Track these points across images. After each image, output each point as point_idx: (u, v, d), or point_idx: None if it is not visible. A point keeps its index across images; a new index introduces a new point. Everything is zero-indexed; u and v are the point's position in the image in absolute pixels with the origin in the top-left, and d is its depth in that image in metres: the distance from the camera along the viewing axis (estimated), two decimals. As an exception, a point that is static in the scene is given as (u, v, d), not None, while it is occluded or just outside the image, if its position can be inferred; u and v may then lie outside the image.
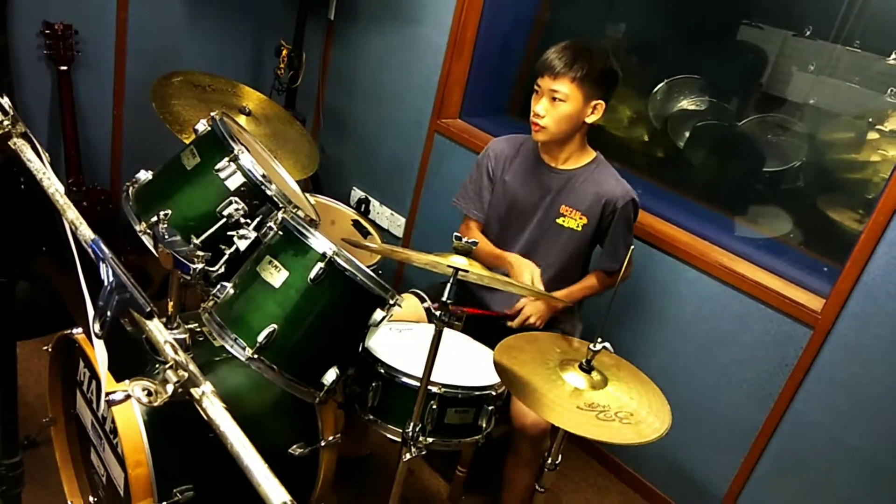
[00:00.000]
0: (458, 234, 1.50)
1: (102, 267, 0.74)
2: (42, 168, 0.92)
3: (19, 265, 1.28)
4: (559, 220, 2.13)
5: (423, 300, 2.24)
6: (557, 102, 2.00)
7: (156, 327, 0.71)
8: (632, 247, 1.84)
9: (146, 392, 0.65)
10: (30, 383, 2.33)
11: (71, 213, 0.82)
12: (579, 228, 2.13)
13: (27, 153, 0.95)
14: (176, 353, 0.67)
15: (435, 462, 2.57)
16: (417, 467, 2.54)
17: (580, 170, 2.14)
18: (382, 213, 3.38)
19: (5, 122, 0.99)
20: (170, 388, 0.65)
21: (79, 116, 2.82)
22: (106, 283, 0.73)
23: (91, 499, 1.89)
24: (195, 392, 0.66)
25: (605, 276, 2.23)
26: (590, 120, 2.05)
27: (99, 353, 0.84)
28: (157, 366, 0.85)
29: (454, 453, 2.36)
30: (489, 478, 2.35)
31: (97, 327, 0.74)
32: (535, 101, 2.05)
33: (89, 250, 0.77)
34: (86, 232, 0.80)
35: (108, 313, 0.73)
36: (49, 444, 1.97)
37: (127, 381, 0.97)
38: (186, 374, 0.65)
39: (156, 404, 0.65)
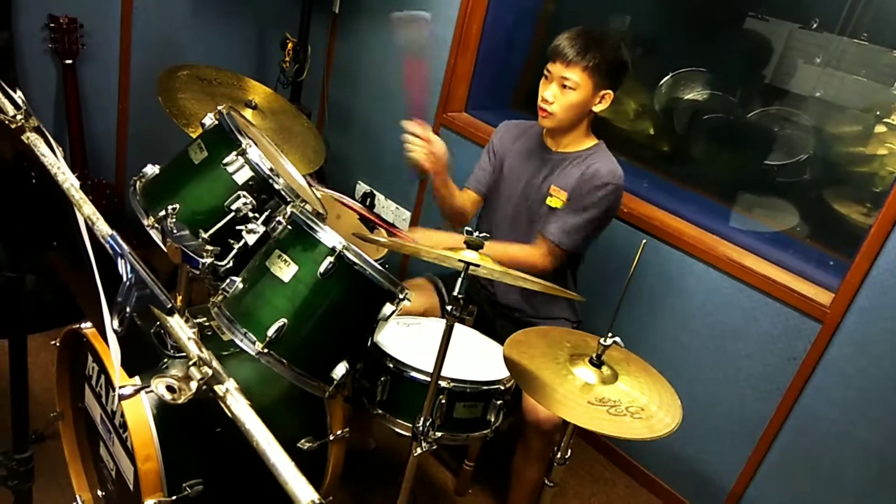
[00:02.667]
0: (469, 229, 1.50)
1: (120, 262, 0.73)
2: (56, 162, 0.92)
3: (29, 260, 1.28)
4: (548, 201, 2.13)
5: (437, 287, 2.26)
6: (567, 90, 2.00)
7: (177, 323, 0.70)
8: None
9: (170, 389, 0.65)
10: (36, 377, 2.33)
11: (87, 209, 0.81)
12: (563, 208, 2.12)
13: (41, 147, 0.94)
14: (200, 349, 0.67)
15: (442, 455, 2.57)
16: (424, 460, 2.54)
17: (576, 153, 2.14)
18: (388, 207, 3.37)
19: (18, 117, 0.98)
20: (194, 384, 0.65)
21: (84, 110, 2.82)
22: (125, 279, 0.72)
23: (99, 493, 1.89)
24: (219, 389, 0.65)
25: (540, 246, 2.11)
26: (597, 109, 2.05)
27: (113, 349, 0.83)
28: (166, 360, 0.85)
29: (461, 447, 2.36)
30: (496, 471, 2.35)
31: (115, 323, 0.73)
32: (544, 86, 2.04)
33: (107, 246, 0.76)
34: (103, 227, 0.79)
35: (127, 309, 0.72)
36: (57, 438, 1.97)
37: (137, 378, 0.97)
38: (210, 371, 0.65)
39: (180, 401, 0.65)
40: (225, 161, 1.71)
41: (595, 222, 2.08)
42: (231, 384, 0.66)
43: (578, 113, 2.05)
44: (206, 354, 0.67)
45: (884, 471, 2.12)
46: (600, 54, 1.97)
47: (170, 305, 0.71)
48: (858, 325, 2.09)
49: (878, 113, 2.40)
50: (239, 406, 0.64)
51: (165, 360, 0.82)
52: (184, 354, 0.70)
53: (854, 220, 2.42)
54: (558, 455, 1.68)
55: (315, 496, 0.55)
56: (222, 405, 0.66)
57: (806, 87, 2.61)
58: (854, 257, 2.07)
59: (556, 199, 2.12)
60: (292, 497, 0.55)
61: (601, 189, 2.04)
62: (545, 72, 2.04)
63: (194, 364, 0.66)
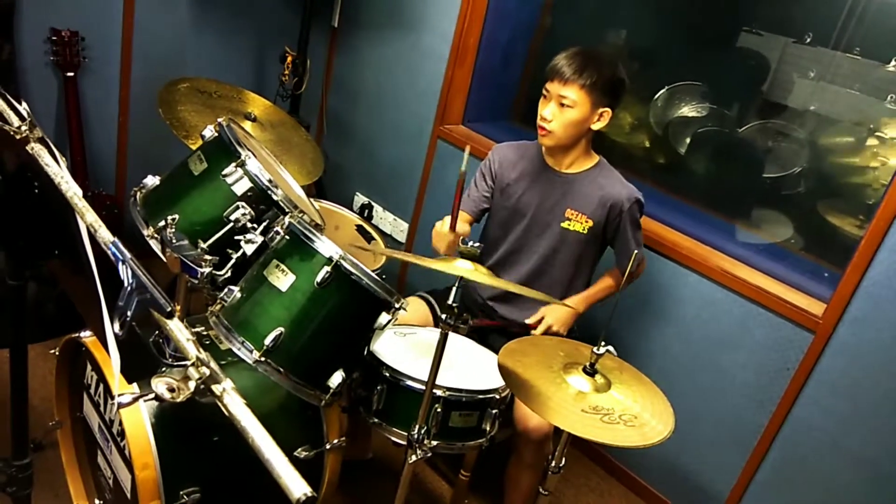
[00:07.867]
0: (465, 238, 1.52)
1: (122, 268, 0.75)
2: (60, 172, 0.94)
3: (31, 269, 1.30)
4: (564, 224, 2.16)
5: (430, 304, 2.26)
6: (565, 108, 2.02)
7: (176, 326, 0.72)
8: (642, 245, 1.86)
9: (169, 388, 0.67)
10: (35, 387, 2.34)
11: (90, 216, 0.84)
12: (585, 231, 2.15)
13: (45, 157, 0.97)
14: (198, 350, 0.69)
15: (438, 466, 2.58)
16: (420, 471, 2.55)
17: (584, 173, 2.17)
18: (386, 219, 3.39)
19: (23, 128, 1.01)
20: (192, 384, 0.67)
21: (85, 122, 2.84)
22: (126, 284, 0.74)
23: (97, 501, 1.89)
24: (216, 388, 0.67)
25: (621, 275, 2.24)
26: (595, 127, 2.07)
27: (114, 356, 0.85)
28: (164, 369, 0.87)
29: (457, 457, 2.37)
30: (492, 481, 2.36)
31: (116, 327, 0.75)
32: (543, 105, 2.07)
33: (109, 252, 0.78)
34: (105, 234, 0.81)
35: (128, 314, 0.74)
36: (55, 447, 1.98)
37: (135, 385, 0.99)
38: (208, 371, 0.67)
39: (179, 400, 0.67)
40: (224, 172, 1.74)
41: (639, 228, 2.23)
42: (228, 383, 0.68)
43: (577, 131, 2.07)
44: (203, 355, 0.69)
45: (877, 481, 2.13)
46: (597, 72, 2.00)
47: (169, 309, 0.73)
48: (850, 336, 2.11)
49: (870, 126, 2.43)
50: (235, 405, 0.66)
51: (164, 368, 0.84)
52: (182, 363, 0.72)
53: (847, 232, 2.44)
54: (552, 463, 1.69)
55: (307, 489, 0.57)
56: (219, 404, 0.67)
57: (800, 100, 2.64)
58: (845, 268, 2.09)
59: (576, 222, 2.15)
60: (286, 490, 0.57)
61: (633, 210, 2.16)
62: (544, 91, 2.07)
63: (192, 364, 0.68)
